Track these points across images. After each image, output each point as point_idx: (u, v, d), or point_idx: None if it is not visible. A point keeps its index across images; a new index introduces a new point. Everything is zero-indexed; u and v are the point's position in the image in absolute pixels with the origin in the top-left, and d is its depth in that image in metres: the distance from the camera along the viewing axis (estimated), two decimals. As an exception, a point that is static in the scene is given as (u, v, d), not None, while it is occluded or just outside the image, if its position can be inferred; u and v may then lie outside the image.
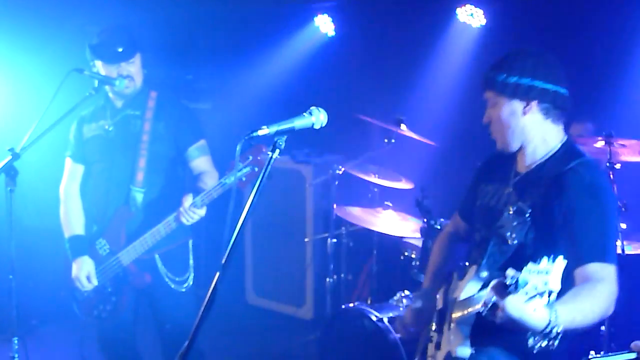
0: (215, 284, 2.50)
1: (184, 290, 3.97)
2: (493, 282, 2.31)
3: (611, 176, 4.13)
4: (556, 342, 2.21)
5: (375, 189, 5.25)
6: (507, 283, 2.14)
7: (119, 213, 3.90)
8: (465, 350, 2.47)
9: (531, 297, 2.09)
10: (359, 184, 5.29)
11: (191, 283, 4.01)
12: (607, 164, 4.16)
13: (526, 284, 2.09)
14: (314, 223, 6.10)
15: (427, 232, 4.56)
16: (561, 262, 2.09)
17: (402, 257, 4.97)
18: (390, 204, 5.07)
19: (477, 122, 5.34)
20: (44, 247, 5.83)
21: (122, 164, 3.93)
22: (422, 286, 3.33)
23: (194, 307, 3.93)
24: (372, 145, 5.02)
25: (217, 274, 2.52)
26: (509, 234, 2.66)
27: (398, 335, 4.19)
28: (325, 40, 6.35)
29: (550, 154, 2.75)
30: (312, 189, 6.03)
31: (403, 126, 4.88)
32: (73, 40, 5.57)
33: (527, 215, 2.63)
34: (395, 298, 4.70)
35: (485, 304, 2.36)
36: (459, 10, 5.55)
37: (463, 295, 2.79)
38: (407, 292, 4.75)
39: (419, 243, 4.71)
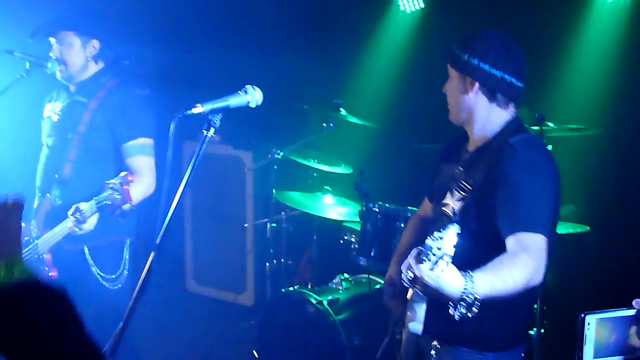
0: (150, 264, 2.47)
1: (115, 288, 3.79)
2: (411, 253, 2.31)
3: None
4: (474, 309, 2.22)
5: (315, 174, 5.23)
6: (420, 252, 2.21)
7: (44, 201, 3.77)
8: (417, 326, 2.46)
9: (434, 263, 2.17)
10: (298, 169, 5.27)
11: (123, 281, 3.81)
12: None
13: (430, 250, 2.17)
14: (254, 209, 6.08)
15: (366, 216, 4.56)
16: (454, 228, 2.17)
17: (341, 241, 4.98)
18: (330, 188, 5.07)
19: (414, 105, 5.44)
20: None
21: (55, 151, 3.80)
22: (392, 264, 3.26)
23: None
24: (311, 130, 5.00)
25: (152, 254, 2.49)
26: (451, 211, 2.66)
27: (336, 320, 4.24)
28: (264, 26, 6.31)
29: (495, 133, 2.74)
30: (252, 174, 6.00)
31: (341, 110, 4.88)
32: (3, 25, 5.41)
33: (468, 192, 2.63)
34: (334, 281, 4.72)
35: (406, 275, 2.36)
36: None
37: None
38: (346, 275, 4.79)
39: (359, 227, 4.72)
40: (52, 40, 3.79)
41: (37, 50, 3.82)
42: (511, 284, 2.33)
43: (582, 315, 2.07)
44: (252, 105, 2.58)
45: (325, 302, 4.38)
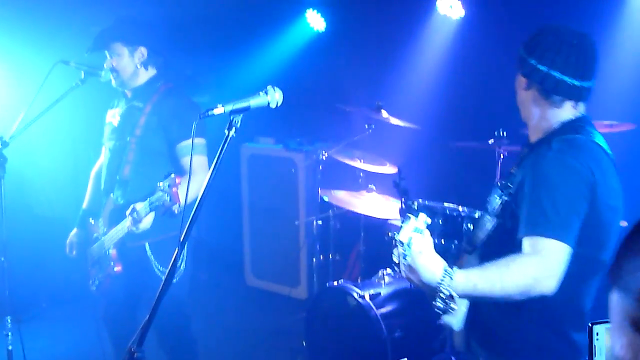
0: (174, 260, 2.43)
1: (174, 282, 3.73)
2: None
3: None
4: (452, 304, 2.05)
5: (361, 174, 5.12)
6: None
7: (108, 201, 3.80)
8: (450, 319, 2.31)
9: (404, 249, 2.08)
10: (345, 169, 5.18)
11: (181, 275, 3.73)
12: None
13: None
14: (306, 207, 6.01)
15: (405, 213, 4.44)
16: (414, 219, 2.07)
17: (386, 238, 4.86)
18: (374, 187, 4.94)
19: (452, 106, 5.27)
20: (54, 235, 5.78)
21: (116, 154, 3.80)
22: None
23: (185, 298, 3.82)
24: (355, 131, 4.90)
25: (176, 250, 2.44)
26: (491, 208, 2.46)
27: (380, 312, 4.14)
28: (313, 35, 6.26)
29: (548, 133, 2.44)
30: (304, 174, 5.93)
31: (383, 112, 4.75)
32: (77, 40, 5.49)
33: (509, 191, 2.39)
34: (377, 275, 4.61)
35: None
36: (439, 3, 5.40)
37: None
38: (389, 270, 4.66)
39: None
40: (106, 52, 3.81)
41: (91, 61, 3.83)
42: (498, 287, 2.08)
43: (590, 325, 1.82)
44: (272, 105, 2.46)
45: (366, 296, 4.28)
